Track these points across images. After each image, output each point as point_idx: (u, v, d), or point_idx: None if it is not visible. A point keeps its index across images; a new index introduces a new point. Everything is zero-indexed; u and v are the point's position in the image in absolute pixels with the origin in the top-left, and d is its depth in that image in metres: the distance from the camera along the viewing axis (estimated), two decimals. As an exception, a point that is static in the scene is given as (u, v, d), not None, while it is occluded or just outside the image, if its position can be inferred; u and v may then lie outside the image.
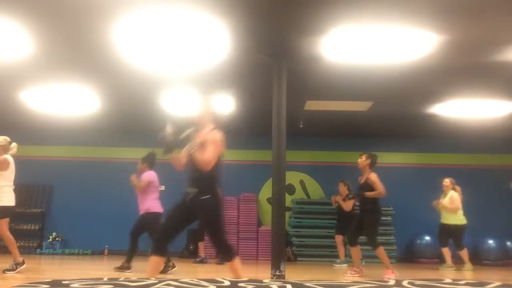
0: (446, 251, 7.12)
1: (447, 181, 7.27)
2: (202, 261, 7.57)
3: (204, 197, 3.28)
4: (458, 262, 7.11)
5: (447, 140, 9.37)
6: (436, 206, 7.21)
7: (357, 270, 5.74)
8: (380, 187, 5.53)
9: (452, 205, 7.05)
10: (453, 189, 7.23)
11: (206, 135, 3.36)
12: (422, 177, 8.87)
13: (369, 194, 5.57)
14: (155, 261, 3.28)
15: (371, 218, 5.62)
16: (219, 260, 7.43)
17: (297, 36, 5.06)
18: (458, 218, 7.07)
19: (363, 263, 7.07)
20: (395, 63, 5.68)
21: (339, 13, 4.52)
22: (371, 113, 7.87)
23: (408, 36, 4.93)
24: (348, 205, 7.46)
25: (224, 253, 3.44)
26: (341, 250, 7.53)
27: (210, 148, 3.27)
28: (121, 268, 5.61)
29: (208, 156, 3.25)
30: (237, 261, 3.40)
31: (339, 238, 7.54)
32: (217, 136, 3.37)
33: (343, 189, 7.66)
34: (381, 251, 5.53)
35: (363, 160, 5.73)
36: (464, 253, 6.99)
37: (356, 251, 5.80)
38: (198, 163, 3.26)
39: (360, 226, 5.74)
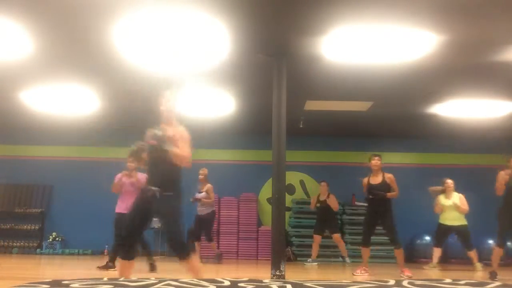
0: (439, 252, 7.08)
1: (451, 183, 7.10)
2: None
3: (167, 194, 3.22)
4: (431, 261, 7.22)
5: (447, 140, 9.36)
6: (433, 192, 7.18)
7: (366, 269, 5.81)
8: (397, 188, 5.76)
9: (464, 207, 6.92)
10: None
11: (177, 131, 3.31)
12: (422, 177, 8.85)
13: (390, 194, 5.72)
14: (129, 265, 3.23)
15: (391, 217, 5.74)
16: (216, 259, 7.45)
17: (297, 36, 5.06)
18: (462, 219, 6.98)
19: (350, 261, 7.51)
20: (395, 63, 5.68)
21: (339, 13, 4.52)
22: (371, 113, 7.88)
23: (408, 36, 4.93)
24: (336, 204, 7.68)
25: (179, 251, 3.23)
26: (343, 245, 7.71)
27: (184, 144, 3.25)
28: (105, 267, 5.65)
29: (187, 151, 3.22)
30: (194, 260, 3.25)
31: (338, 236, 7.63)
32: (187, 133, 3.35)
33: (325, 189, 7.74)
34: (401, 251, 5.67)
35: (380, 162, 5.84)
36: (475, 253, 6.94)
37: (368, 251, 5.92)
38: (175, 158, 3.19)
39: (374, 226, 5.87)
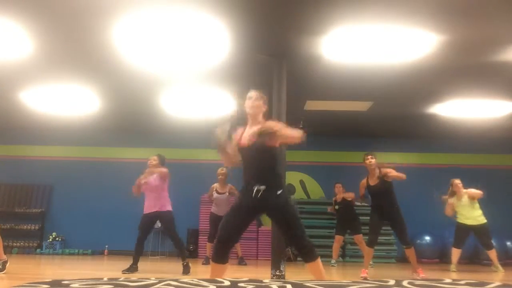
0: (458, 253, 6.88)
1: (459, 182, 6.83)
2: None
3: (279, 192, 2.98)
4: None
5: (447, 140, 9.37)
6: (449, 207, 6.85)
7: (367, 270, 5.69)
8: (398, 174, 5.55)
9: (477, 193, 6.69)
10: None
11: (268, 123, 3.19)
12: (422, 177, 8.86)
13: (396, 175, 5.55)
14: (220, 268, 2.98)
15: (401, 215, 5.50)
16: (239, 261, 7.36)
17: (297, 36, 5.07)
18: (482, 218, 6.76)
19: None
20: (395, 63, 5.68)
21: (339, 13, 4.52)
22: (371, 113, 7.88)
23: (408, 36, 4.93)
24: (350, 194, 7.51)
25: (303, 252, 3.00)
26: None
27: (284, 127, 3.16)
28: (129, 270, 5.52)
29: (293, 131, 3.10)
30: (318, 262, 3.01)
31: (360, 237, 7.39)
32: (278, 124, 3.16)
33: (340, 190, 7.62)
34: (413, 251, 5.48)
35: (374, 160, 5.53)
36: (494, 254, 6.77)
37: (372, 252, 5.67)
38: (289, 139, 3.12)
39: (381, 226, 5.64)
